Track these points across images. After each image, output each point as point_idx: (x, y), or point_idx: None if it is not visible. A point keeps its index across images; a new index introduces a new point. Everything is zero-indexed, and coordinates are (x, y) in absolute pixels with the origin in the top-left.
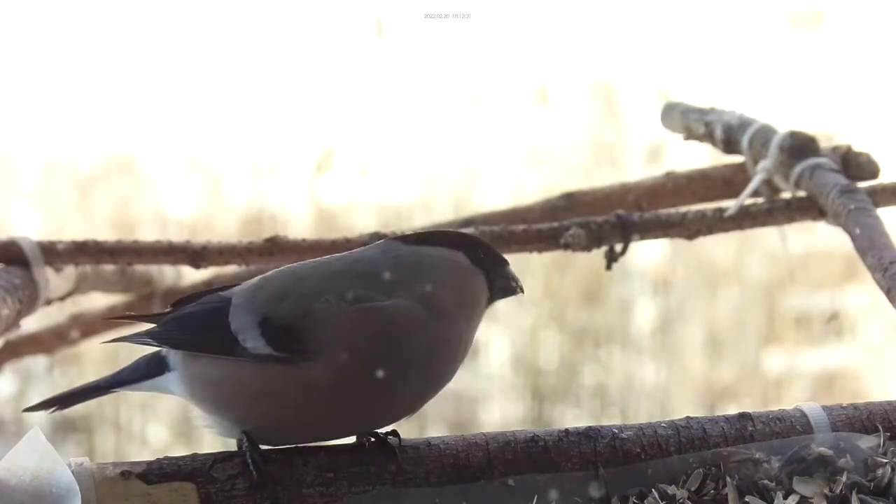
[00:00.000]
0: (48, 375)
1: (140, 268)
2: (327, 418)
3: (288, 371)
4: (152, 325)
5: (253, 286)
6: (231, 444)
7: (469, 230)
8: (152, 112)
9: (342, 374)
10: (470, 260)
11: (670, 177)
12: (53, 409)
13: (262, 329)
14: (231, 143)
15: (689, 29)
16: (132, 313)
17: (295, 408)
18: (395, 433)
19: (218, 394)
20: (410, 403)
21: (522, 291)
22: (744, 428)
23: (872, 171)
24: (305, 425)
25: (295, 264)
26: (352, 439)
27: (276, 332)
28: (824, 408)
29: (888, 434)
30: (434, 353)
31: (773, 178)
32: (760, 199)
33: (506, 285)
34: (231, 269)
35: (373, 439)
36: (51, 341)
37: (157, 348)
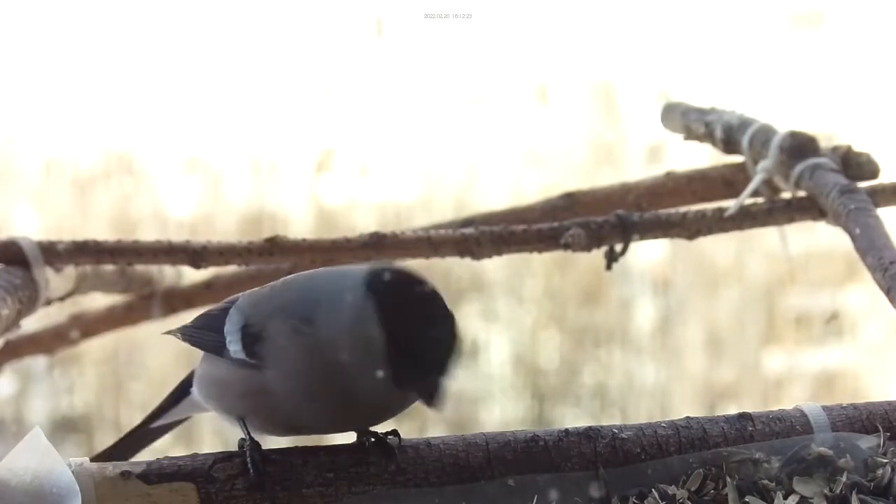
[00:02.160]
0: (48, 376)
1: (140, 268)
2: (293, 420)
3: (256, 376)
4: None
5: (256, 290)
6: (231, 445)
7: (469, 230)
8: (152, 111)
9: (287, 384)
10: (393, 371)
11: (670, 177)
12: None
13: (241, 334)
14: (231, 142)
15: (689, 29)
16: None
17: (269, 408)
18: (394, 433)
19: (215, 391)
20: (347, 422)
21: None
22: (744, 428)
23: (872, 171)
24: (282, 425)
25: (302, 275)
26: (351, 437)
27: (249, 338)
28: (824, 408)
29: (888, 434)
30: (344, 396)
31: (773, 178)
32: (760, 199)
33: (424, 398)
34: (231, 269)
35: (372, 439)
36: (51, 341)
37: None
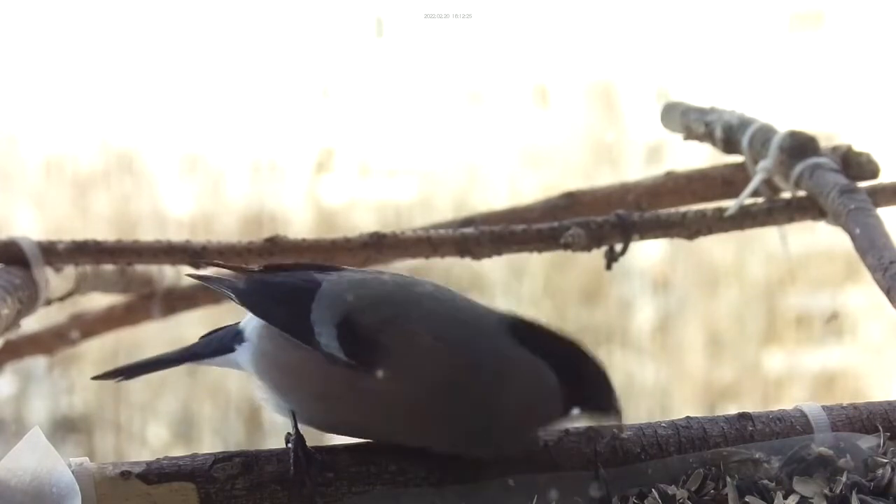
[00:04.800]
0: (48, 375)
1: (140, 268)
2: (378, 430)
3: (353, 377)
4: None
5: (345, 281)
6: (231, 445)
7: (469, 230)
8: (152, 111)
9: (401, 396)
10: (560, 386)
11: (670, 177)
12: (119, 378)
13: (339, 331)
14: (231, 142)
15: (689, 29)
16: (220, 263)
17: (351, 412)
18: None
19: (282, 377)
20: (455, 447)
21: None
22: (744, 428)
23: (872, 171)
24: (357, 429)
25: (389, 275)
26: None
27: (351, 337)
28: (824, 408)
29: (888, 434)
30: (481, 425)
31: (773, 178)
32: (760, 199)
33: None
34: None
35: None
36: (51, 341)
37: (230, 324)
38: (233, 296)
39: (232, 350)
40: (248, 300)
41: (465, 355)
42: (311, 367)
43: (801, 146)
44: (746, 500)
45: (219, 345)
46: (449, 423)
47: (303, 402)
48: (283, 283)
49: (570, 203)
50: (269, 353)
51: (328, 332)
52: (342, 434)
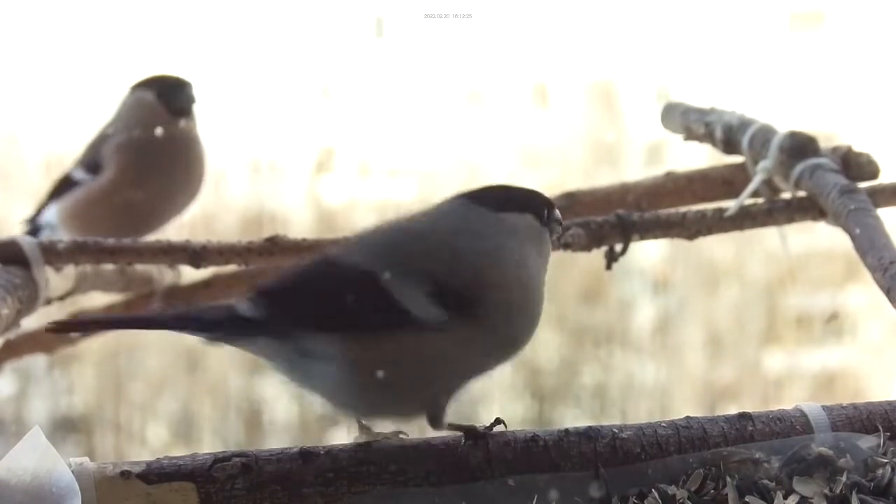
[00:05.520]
0: (48, 375)
1: (140, 267)
2: (479, 374)
3: (463, 335)
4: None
5: (384, 245)
6: (230, 445)
7: None
8: None
9: (502, 333)
10: (538, 220)
11: (670, 177)
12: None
13: (435, 297)
14: (231, 142)
15: (689, 29)
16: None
17: (468, 370)
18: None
19: (403, 379)
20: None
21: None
22: (744, 428)
23: (873, 172)
24: (458, 386)
25: (388, 226)
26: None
27: (453, 298)
28: (824, 408)
29: (888, 434)
30: (537, 311)
31: (773, 179)
32: (760, 200)
33: (555, 229)
34: (231, 268)
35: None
36: (50, 340)
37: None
38: (265, 334)
39: (250, 335)
40: (286, 324)
41: (509, 251)
42: (423, 345)
43: (801, 146)
44: (746, 500)
45: (231, 325)
46: (527, 334)
47: (418, 384)
48: (322, 290)
49: (570, 203)
50: (365, 359)
51: (424, 303)
52: (397, 416)
